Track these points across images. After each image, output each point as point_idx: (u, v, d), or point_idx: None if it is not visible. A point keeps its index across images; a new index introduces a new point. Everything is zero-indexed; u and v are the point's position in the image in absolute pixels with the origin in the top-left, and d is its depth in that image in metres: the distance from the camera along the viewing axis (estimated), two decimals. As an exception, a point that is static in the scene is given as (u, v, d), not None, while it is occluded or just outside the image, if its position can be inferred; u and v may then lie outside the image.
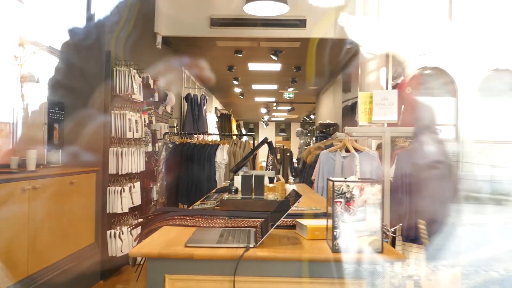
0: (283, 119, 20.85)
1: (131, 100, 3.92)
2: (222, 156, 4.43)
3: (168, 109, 5.60)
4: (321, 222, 1.26)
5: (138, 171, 3.95)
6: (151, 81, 4.66)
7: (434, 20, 15.19)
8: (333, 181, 1.08)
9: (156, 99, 4.90)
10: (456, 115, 15.39)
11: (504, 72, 15.10)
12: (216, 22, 5.25)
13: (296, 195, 1.21)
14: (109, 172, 3.53)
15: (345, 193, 1.08)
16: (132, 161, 3.81)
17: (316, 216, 1.54)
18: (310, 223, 1.28)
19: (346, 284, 1.05)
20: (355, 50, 7.26)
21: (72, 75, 3.41)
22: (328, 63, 6.96)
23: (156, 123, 4.91)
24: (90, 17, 3.51)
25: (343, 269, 1.06)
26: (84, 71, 3.40)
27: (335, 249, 1.08)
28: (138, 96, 4.03)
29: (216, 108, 11.97)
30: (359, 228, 1.08)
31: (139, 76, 4.14)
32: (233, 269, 1.07)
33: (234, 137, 5.76)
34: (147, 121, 4.38)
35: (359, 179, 1.13)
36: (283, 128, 22.24)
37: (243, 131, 14.82)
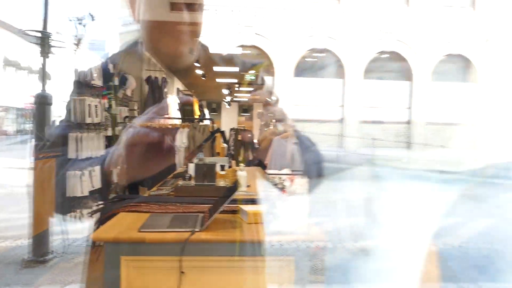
0: (246, 99, 20.98)
1: (90, 85, 3.96)
2: (181, 140, 4.54)
3: (128, 92, 5.63)
4: (261, 208, 1.44)
5: (99, 156, 4.02)
6: (110, 65, 4.69)
7: (392, 5, 15.63)
8: (268, 174, 1.26)
9: (116, 83, 4.93)
10: (410, 98, 15.94)
11: (457, 57, 15.70)
12: (176, 7, 5.27)
13: (237, 185, 1.38)
14: (69, 157, 3.59)
15: (277, 183, 1.26)
16: (92, 145, 3.88)
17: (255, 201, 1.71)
18: (251, 209, 1.46)
19: (278, 261, 1.24)
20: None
21: (31, 61, 3.43)
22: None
23: (116, 107, 4.95)
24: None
25: (275, 248, 1.24)
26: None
27: (269, 232, 1.26)
28: (97, 81, 4.06)
29: (178, 89, 11.97)
30: (290, 213, 1.26)
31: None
32: (181, 250, 1.23)
33: (195, 120, 5.84)
34: (106, 105, 4.42)
35: (293, 170, 1.31)
36: (245, 108, 22.39)
37: (206, 112, 14.85)
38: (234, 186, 1.43)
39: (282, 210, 1.23)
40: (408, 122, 15.25)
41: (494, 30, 15.19)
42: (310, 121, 17.37)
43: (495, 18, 15.29)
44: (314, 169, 1.57)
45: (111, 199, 1.93)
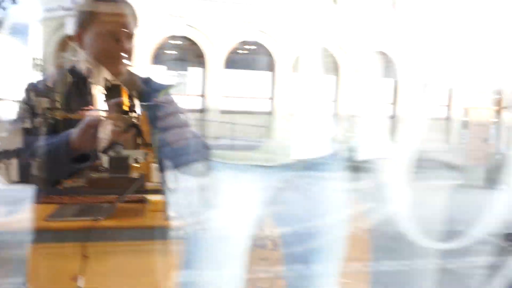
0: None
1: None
2: (104, 132, 4.54)
3: (49, 83, 5.51)
4: (164, 197, 1.60)
5: (15, 148, 3.95)
6: (31, 55, 4.59)
7: (320, 2, 16.18)
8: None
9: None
10: (336, 92, 16.67)
11: (380, 54, 16.59)
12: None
13: (142, 176, 1.53)
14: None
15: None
16: (9, 138, 3.81)
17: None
18: (155, 198, 1.61)
19: (170, 244, 1.41)
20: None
21: None
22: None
23: (35, 98, 4.85)
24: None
25: (171, 233, 1.41)
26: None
27: (166, 218, 1.43)
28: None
29: (105, 78, 11.69)
30: (184, 202, 1.43)
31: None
32: (86, 237, 1.36)
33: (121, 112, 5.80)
34: (25, 96, 4.33)
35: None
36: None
37: (135, 103, 14.58)
38: (139, 178, 1.58)
39: (178, 200, 1.40)
40: (335, 115, 16.05)
41: (413, 29, 16.30)
42: (240, 112, 17.69)
43: (414, 18, 16.40)
44: (200, 157, 1.76)
45: (30, 191, 1.99)
